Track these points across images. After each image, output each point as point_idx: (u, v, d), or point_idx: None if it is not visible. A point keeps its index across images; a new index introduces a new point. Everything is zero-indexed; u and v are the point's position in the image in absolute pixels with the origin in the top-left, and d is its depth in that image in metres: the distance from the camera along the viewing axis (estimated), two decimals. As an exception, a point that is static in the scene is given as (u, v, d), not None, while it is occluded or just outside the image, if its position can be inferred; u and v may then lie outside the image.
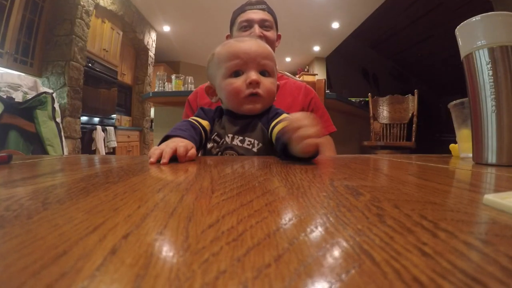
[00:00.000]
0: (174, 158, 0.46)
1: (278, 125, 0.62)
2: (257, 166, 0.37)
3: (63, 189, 0.23)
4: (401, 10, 4.83)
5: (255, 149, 0.68)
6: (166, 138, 0.57)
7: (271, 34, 1.06)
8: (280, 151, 0.52)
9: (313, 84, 1.30)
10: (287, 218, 0.14)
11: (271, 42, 1.05)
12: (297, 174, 0.29)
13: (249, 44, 0.70)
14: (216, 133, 0.70)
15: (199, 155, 0.75)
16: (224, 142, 0.69)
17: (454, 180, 0.33)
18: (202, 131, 0.70)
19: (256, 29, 1.03)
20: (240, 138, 0.69)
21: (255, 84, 0.67)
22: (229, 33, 1.14)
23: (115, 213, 0.15)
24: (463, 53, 0.58)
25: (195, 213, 0.15)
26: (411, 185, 0.26)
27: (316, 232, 0.12)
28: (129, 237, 0.11)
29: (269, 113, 0.73)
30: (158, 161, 0.45)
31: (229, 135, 0.69)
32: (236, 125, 0.71)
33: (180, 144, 0.49)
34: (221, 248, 0.10)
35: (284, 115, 0.67)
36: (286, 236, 0.11)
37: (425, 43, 5.79)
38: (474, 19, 0.56)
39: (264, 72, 0.70)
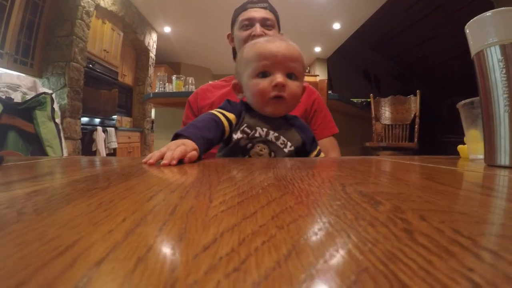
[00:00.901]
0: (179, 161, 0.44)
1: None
2: (260, 169, 0.34)
3: (44, 196, 0.21)
4: (402, 11, 4.80)
5: (286, 150, 0.67)
6: (176, 137, 0.55)
7: (272, 33, 1.04)
8: None
9: (315, 84, 1.28)
10: (300, 237, 0.11)
11: None
12: (304, 178, 0.27)
13: (279, 45, 0.68)
14: (246, 125, 0.68)
15: (218, 151, 0.73)
16: (257, 135, 0.67)
17: (473, 184, 0.31)
18: (228, 125, 0.66)
19: (257, 28, 1.01)
20: (276, 134, 0.67)
21: (280, 86, 0.65)
22: (230, 32, 1.12)
23: (94, 228, 0.13)
24: (473, 50, 0.56)
25: (188, 229, 0.12)
26: (431, 191, 0.24)
27: (338, 257, 0.10)
28: (103, 265, 0.09)
29: (302, 131, 0.73)
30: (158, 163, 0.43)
31: (263, 128, 0.67)
32: (270, 121, 0.69)
33: (179, 148, 0.48)
34: (218, 284, 0.08)
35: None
36: (300, 263, 0.09)
37: (427, 44, 5.76)
38: (484, 15, 0.54)
39: (291, 75, 0.68)
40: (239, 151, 0.66)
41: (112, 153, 3.68)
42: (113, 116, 3.95)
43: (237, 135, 0.67)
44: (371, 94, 3.18)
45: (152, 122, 4.83)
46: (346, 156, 1.02)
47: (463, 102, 0.66)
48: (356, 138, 3.24)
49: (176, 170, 0.35)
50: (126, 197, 0.19)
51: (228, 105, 0.72)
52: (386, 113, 3.17)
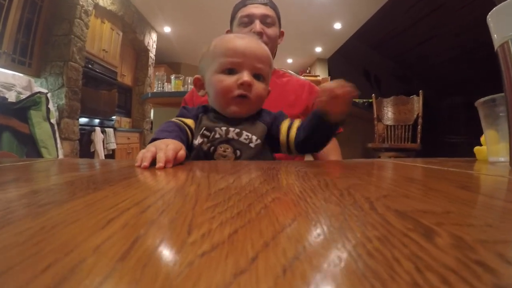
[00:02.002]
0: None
1: (295, 123, 0.65)
2: (259, 177, 0.29)
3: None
4: (403, 11, 4.76)
5: (252, 145, 0.62)
6: (152, 142, 0.51)
7: (272, 31, 0.99)
8: (309, 128, 0.60)
9: (317, 82, 1.23)
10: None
11: (272, 40, 0.98)
12: (317, 190, 0.21)
13: (248, 43, 0.65)
14: (204, 127, 0.64)
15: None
16: (217, 136, 0.62)
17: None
18: (188, 131, 0.64)
19: (257, 25, 0.96)
20: (237, 131, 0.63)
21: (246, 86, 0.62)
22: (229, 29, 1.07)
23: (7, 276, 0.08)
24: (497, 42, 0.50)
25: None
26: (480, 207, 0.19)
27: None
28: None
29: (267, 115, 0.68)
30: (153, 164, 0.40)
31: (222, 128, 0.63)
32: (230, 119, 0.65)
33: (170, 146, 0.45)
34: None
35: (297, 120, 0.67)
36: None
37: (427, 43, 5.71)
38: (509, 3, 0.49)
39: (258, 76, 0.65)
40: (202, 157, 0.62)
41: (111, 154, 3.63)
42: (112, 117, 3.90)
43: (197, 140, 0.63)
44: (373, 95, 3.12)
45: (152, 122, 4.78)
46: (346, 157, 0.96)
47: (482, 99, 0.60)
48: (358, 139, 3.19)
49: (161, 177, 0.30)
50: (78, 219, 0.14)
51: (184, 111, 0.69)
52: (388, 113, 3.11)
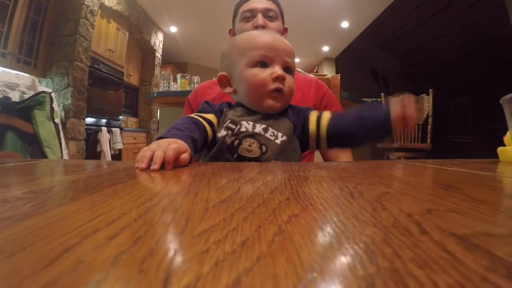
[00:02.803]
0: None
1: (325, 114, 0.65)
2: (269, 184, 0.25)
3: None
4: (410, 10, 4.67)
5: (278, 141, 0.59)
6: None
7: (275, 25, 0.95)
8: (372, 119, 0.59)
9: (327, 80, 1.18)
10: None
11: None
12: (342, 202, 0.17)
13: (275, 37, 0.65)
14: (230, 120, 0.61)
15: (203, 157, 0.66)
16: (243, 129, 0.60)
17: None
18: (208, 126, 0.60)
19: (260, 19, 0.93)
20: (263, 126, 0.60)
21: (281, 79, 0.61)
22: (231, 27, 1.04)
23: None
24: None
25: None
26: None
27: None
28: None
29: (293, 110, 0.67)
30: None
31: (249, 122, 0.61)
32: (257, 115, 0.63)
33: (172, 146, 0.41)
34: None
35: (327, 112, 0.66)
36: None
37: (435, 43, 5.61)
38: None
39: (287, 69, 0.64)
40: (225, 150, 0.59)
41: (118, 154, 3.62)
42: (119, 117, 3.89)
43: (221, 133, 0.60)
44: (382, 94, 3.06)
45: (158, 122, 4.77)
46: (355, 158, 0.91)
47: (509, 95, 0.55)
48: (366, 139, 3.11)
49: (154, 182, 0.26)
50: (24, 248, 0.10)
51: (206, 106, 0.67)
52: (398, 113, 3.03)
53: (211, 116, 0.63)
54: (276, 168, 0.38)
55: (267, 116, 0.63)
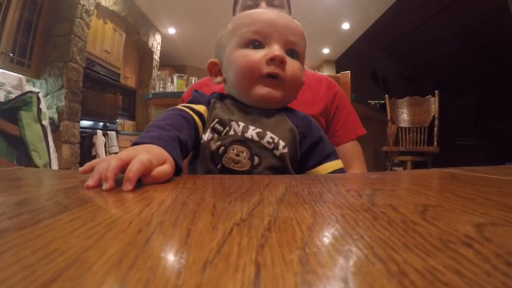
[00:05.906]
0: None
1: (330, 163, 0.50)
2: (284, 212, 0.15)
3: None
4: (411, 11, 4.61)
5: (277, 152, 0.45)
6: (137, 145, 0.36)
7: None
8: None
9: (336, 78, 1.07)
10: None
11: None
12: (391, 239, 0.08)
13: (278, 14, 0.50)
14: (217, 120, 0.47)
15: (190, 163, 0.52)
16: (231, 132, 0.46)
17: None
18: (199, 121, 0.48)
19: (263, 6, 0.81)
20: (258, 130, 0.46)
21: (278, 61, 0.46)
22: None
23: None
24: None
25: None
26: None
27: None
28: None
29: (300, 117, 0.52)
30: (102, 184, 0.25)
31: (239, 122, 0.47)
32: (251, 112, 0.49)
33: (140, 157, 0.28)
34: None
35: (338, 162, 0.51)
36: None
37: (436, 44, 5.55)
38: None
39: (292, 52, 0.50)
40: (208, 158, 0.46)
41: (114, 157, 3.51)
42: (116, 120, 3.79)
43: (206, 136, 0.47)
44: (386, 96, 2.96)
45: (156, 125, 4.66)
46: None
47: None
48: (369, 141, 3.02)
49: (104, 215, 0.16)
50: None
51: (196, 95, 0.53)
52: (403, 115, 2.94)
53: (202, 109, 0.50)
54: (288, 181, 0.28)
55: (265, 115, 0.49)
